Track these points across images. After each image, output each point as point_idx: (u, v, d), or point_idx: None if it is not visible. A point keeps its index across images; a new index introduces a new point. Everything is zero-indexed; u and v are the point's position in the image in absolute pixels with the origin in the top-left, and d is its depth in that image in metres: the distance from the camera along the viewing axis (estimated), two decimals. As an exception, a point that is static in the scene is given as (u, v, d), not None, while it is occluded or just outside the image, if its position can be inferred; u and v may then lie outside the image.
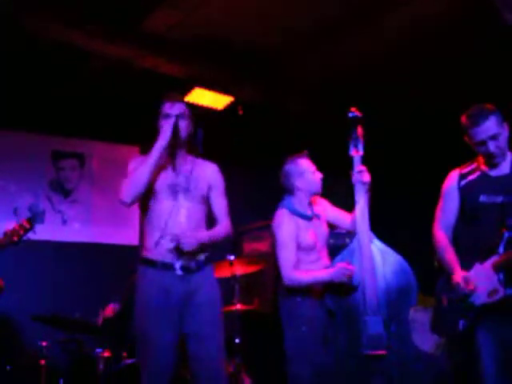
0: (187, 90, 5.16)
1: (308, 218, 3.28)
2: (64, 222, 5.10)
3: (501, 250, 2.65)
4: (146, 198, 2.78)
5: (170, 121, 2.70)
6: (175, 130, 2.69)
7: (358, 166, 3.09)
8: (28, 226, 2.79)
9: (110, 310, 4.20)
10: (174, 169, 2.81)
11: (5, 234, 2.80)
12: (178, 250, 2.67)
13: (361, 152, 3.11)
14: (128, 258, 4.93)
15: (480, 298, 2.65)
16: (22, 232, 2.77)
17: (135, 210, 5.32)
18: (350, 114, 3.16)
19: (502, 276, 2.62)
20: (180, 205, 2.74)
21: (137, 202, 2.77)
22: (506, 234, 2.65)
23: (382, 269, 2.99)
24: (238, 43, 4.69)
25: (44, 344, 4.01)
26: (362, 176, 3.06)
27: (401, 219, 3.31)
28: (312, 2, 3.99)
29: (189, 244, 2.66)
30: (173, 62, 4.82)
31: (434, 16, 4.11)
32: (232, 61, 4.92)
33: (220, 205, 2.95)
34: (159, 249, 2.70)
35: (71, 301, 4.61)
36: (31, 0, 4.09)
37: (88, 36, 4.47)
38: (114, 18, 4.40)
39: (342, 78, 5.04)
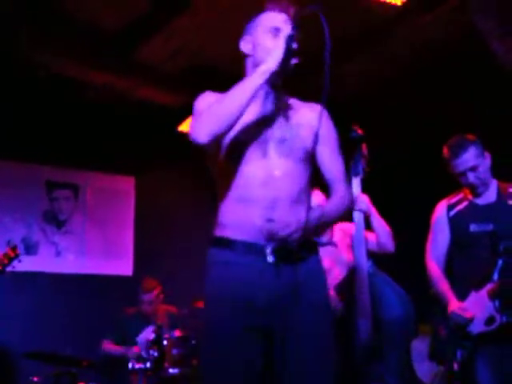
0: (181, 119, 5.20)
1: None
2: (58, 253, 5.09)
3: (495, 277, 2.66)
4: (222, 154, 1.93)
5: (283, 38, 1.79)
6: (288, 53, 1.79)
7: (357, 193, 2.90)
8: (13, 255, 2.74)
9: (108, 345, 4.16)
10: (265, 113, 1.97)
11: None
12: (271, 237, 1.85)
13: (361, 175, 2.93)
14: (122, 290, 4.96)
15: (477, 326, 2.64)
16: (6, 261, 2.72)
17: (129, 240, 5.40)
18: (353, 134, 2.95)
19: (497, 303, 2.62)
20: (273, 165, 1.89)
21: (212, 144, 1.84)
22: (500, 261, 2.66)
23: (379, 299, 2.86)
24: (229, 72, 4.74)
25: (35, 379, 3.95)
26: (359, 204, 2.89)
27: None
28: (306, 30, 4.04)
29: (293, 241, 1.80)
30: (166, 92, 4.86)
31: (433, 41, 4.17)
32: (224, 89, 4.96)
33: (334, 164, 2.05)
34: (241, 225, 1.87)
35: (64, 334, 4.58)
36: (23, 27, 4.14)
37: (81, 66, 4.52)
38: (107, 48, 4.45)
39: (341, 101, 5.07)
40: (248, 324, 1.80)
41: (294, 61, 1.87)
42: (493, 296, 2.63)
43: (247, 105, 1.78)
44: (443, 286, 2.81)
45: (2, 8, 3.91)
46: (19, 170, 5.04)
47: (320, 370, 1.83)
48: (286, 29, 1.84)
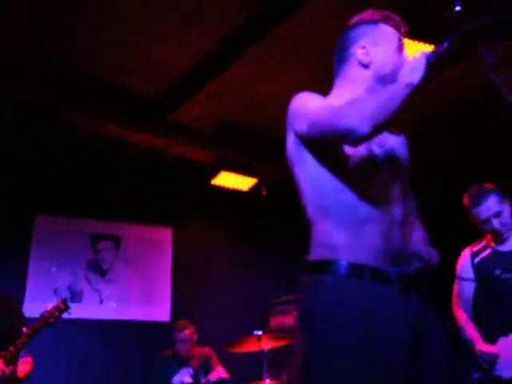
0: (214, 174, 5.26)
1: None
2: (101, 301, 5.08)
3: (524, 321, 2.60)
4: (334, 166, 1.60)
5: (425, 56, 1.42)
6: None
7: None
8: (63, 307, 2.75)
9: None
10: None
11: (41, 316, 2.76)
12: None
13: None
14: (160, 335, 4.89)
15: (508, 371, 2.57)
16: (57, 313, 2.73)
17: (167, 288, 5.39)
18: None
19: (527, 348, 2.55)
20: (387, 181, 1.63)
21: (372, 137, 1.49)
22: (526, 307, 2.61)
23: None
24: (253, 132, 4.81)
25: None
26: None
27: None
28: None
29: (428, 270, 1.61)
30: (199, 150, 4.94)
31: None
32: (253, 145, 5.01)
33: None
34: (366, 248, 1.54)
35: (107, 378, 4.52)
36: (71, 96, 4.30)
37: (123, 128, 4.64)
38: (146, 111, 4.57)
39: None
40: (397, 360, 1.46)
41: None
42: (521, 341, 2.56)
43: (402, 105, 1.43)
44: (471, 330, 2.76)
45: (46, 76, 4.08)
46: (67, 224, 5.11)
47: None
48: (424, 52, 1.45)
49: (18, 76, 4.07)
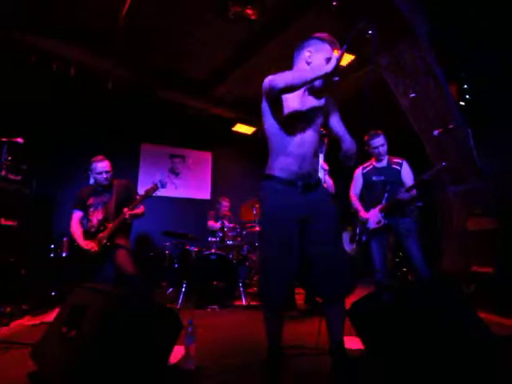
0: (234, 123, 5.24)
1: None
2: (176, 187, 5.13)
3: (383, 201, 2.63)
4: (279, 121, 1.59)
5: (336, 59, 1.40)
6: (335, 70, 1.41)
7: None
8: (155, 188, 2.74)
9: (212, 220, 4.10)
10: (307, 102, 1.62)
11: (145, 191, 2.78)
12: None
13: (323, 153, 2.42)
14: (204, 205, 5.02)
15: (372, 224, 2.64)
16: (152, 191, 2.73)
17: (208, 182, 5.38)
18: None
19: (383, 214, 2.62)
20: (305, 134, 1.59)
21: (281, 95, 1.50)
22: (386, 194, 2.63)
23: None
24: (257, 100, 4.72)
25: (167, 244, 4.11)
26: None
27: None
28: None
29: (313, 181, 1.63)
30: (228, 111, 4.88)
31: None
32: (254, 109, 4.95)
33: (341, 125, 1.67)
34: (285, 169, 1.58)
35: (179, 223, 4.69)
36: (160, 78, 4.11)
37: (185, 98, 4.56)
38: (200, 88, 4.47)
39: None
40: (290, 217, 1.56)
41: (335, 78, 1.48)
42: (381, 210, 2.63)
43: (310, 82, 1.43)
44: (358, 205, 2.75)
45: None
46: (158, 149, 5.06)
47: (331, 235, 1.58)
48: (336, 55, 1.42)
49: (137, 66, 3.90)
